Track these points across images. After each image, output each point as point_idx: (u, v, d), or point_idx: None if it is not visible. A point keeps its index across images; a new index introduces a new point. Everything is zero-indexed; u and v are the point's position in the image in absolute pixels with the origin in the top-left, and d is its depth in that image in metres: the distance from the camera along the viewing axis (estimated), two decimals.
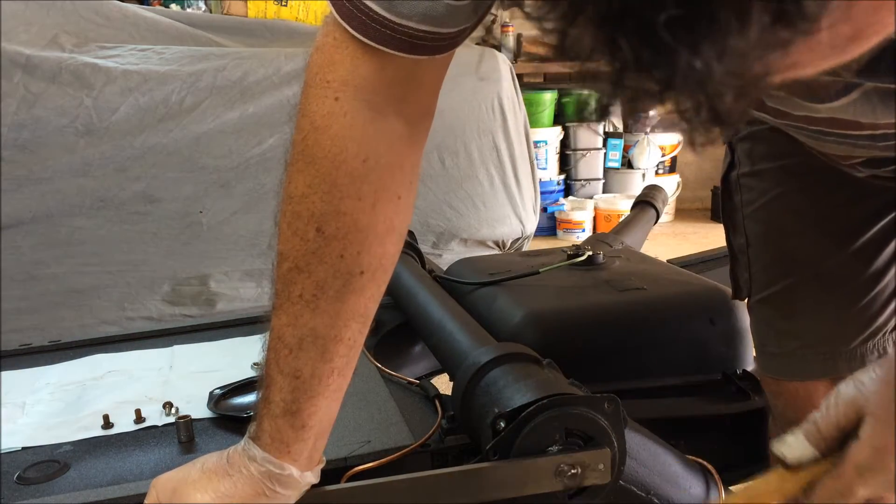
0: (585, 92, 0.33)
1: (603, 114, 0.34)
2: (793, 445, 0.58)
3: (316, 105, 0.60)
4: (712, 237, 3.46)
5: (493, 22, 4.25)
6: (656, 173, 4.31)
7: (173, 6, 3.63)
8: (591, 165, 4.25)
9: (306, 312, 0.61)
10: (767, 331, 0.93)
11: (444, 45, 0.59)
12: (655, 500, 0.79)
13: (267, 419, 0.62)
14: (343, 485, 0.69)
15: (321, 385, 0.62)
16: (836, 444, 0.56)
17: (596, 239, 1.46)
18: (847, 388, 0.57)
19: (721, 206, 0.99)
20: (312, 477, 0.64)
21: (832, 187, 0.83)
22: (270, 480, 0.62)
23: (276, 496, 0.62)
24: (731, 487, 0.84)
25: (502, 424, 0.69)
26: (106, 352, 1.12)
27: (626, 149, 4.30)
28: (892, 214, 0.84)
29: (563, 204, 4.12)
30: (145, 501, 0.64)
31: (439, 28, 0.57)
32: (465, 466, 0.68)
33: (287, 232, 0.61)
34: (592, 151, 4.23)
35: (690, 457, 0.84)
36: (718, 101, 0.29)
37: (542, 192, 3.07)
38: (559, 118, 4.28)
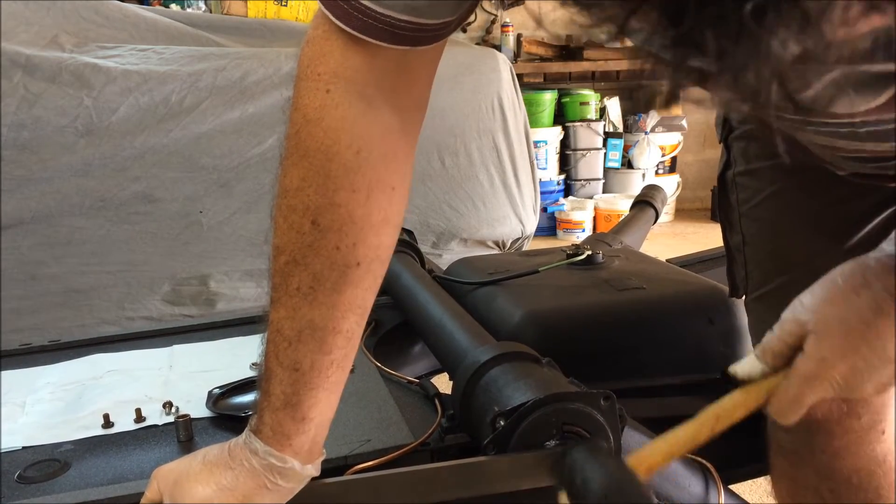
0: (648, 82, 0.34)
1: (672, 100, 0.35)
2: (744, 364, 0.66)
3: (308, 98, 0.60)
4: (712, 237, 3.46)
5: (493, 22, 4.25)
6: (656, 173, 4.31)
7: (173, 6, 3.63)
8: (591, 165, 4.25)
9: (304, 305, 0.61)
10: (764, 328, 0.92)
11: (427, 36, 0.59)
12: (655, 500, 0.79)
13: (268, 412, 0.62)
14: (343, 477, 0.70)
15: (321, 377, 0.62)
16: (786, 359, 0.63)
17: (595, 239, 1.46)
18: (792, 310, 0.64)
19: (717, 205, 0.99)
20: (313, 470, 0.65)
21: (827, 185, 0.83)
22: (272, 473, 0.62)
23: (278, 489, 0.62)
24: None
25: (502, 423, 0.69)
26: (106, 352, 1.12)
27: (626, 149, 4.31)
28: (886, 212, 0.84)
29: (563, 204, 4.12)
30: (146, 493, 0.65)
31: (421, 19, 0.57)
32: (463, 460, 0.69)
33: (283, 225, 0.61)
34: (592, 151, 4.23)
35: (690, 456, 0.85)
36: (787, 81, 0.31)
37: (542, 192, 3.07)
38: (559, 118, 4.28)
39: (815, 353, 0.61)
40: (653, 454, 0.64)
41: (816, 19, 0.29)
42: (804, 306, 0.63)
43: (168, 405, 0.90)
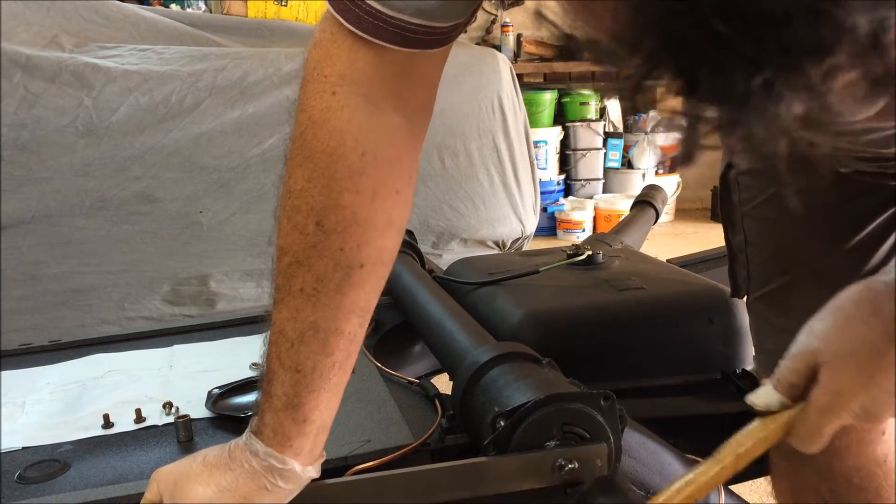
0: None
1: (690, 156, 0.36)
2: (761, 394, 0.63)
3: (314, 99, 0.60)
4: (712, 237, 3.45)
5: (494, 22, 4.25)
6: (656, 173, 4.31)
7: (173, 6, 3.63)
8: (591, 165, 4.25)
9: (307, 306, 0.61)
10: (765, 328, 0.93)
11: (437, 39, 0.59)
12: None
13: (269, 413, 0.62)
14: (343, 479, 0.70)
15: (322, 379, 0.63)
16: (802, 390, 0.62)
17: (595, 239, 1.46)
18: (803, 338, 0.62)
19: (720, 205, 0.99)
20: (314, 471, 0.65)
21: (829, 185, 0.83)
22: (272, 474, 0.62)
23: (278, 490, 0.62)
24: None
25: (502, 423, 0.69)
26: (106, 352, 1.12)
27: (626, 149, 4.30)
28: (887, 213, 0.84)
29: (563, 204, 4.12)
30: (146, 495, 0.65)
31: (432, 22, 0.57)
32: (463, 461, 0.69)
33: (287, 226, 0.62)
34: (592, 151, 4.23)
35: (690, 456, 0.85)
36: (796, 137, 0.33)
37: (542, 192, 3.07)
38: (559, 118, 4.28)
39: (829, 385, 0.59)
40: (675, 498, 0.62)
41: (820, 87, 0.31)
42: (815, 334, 0.61)
43: (168, 405, 0.90)
